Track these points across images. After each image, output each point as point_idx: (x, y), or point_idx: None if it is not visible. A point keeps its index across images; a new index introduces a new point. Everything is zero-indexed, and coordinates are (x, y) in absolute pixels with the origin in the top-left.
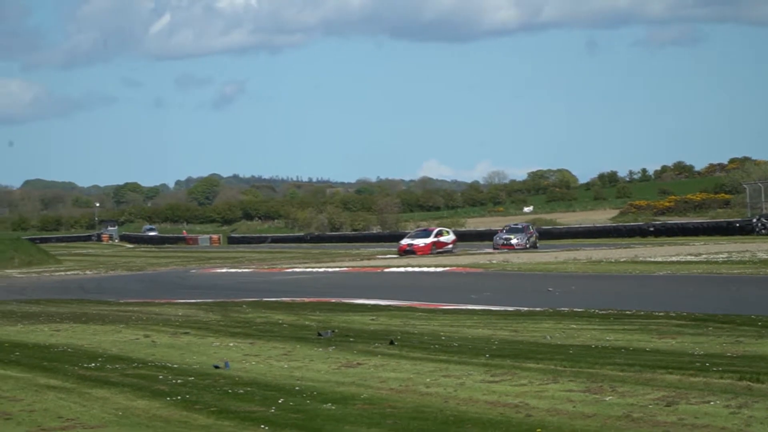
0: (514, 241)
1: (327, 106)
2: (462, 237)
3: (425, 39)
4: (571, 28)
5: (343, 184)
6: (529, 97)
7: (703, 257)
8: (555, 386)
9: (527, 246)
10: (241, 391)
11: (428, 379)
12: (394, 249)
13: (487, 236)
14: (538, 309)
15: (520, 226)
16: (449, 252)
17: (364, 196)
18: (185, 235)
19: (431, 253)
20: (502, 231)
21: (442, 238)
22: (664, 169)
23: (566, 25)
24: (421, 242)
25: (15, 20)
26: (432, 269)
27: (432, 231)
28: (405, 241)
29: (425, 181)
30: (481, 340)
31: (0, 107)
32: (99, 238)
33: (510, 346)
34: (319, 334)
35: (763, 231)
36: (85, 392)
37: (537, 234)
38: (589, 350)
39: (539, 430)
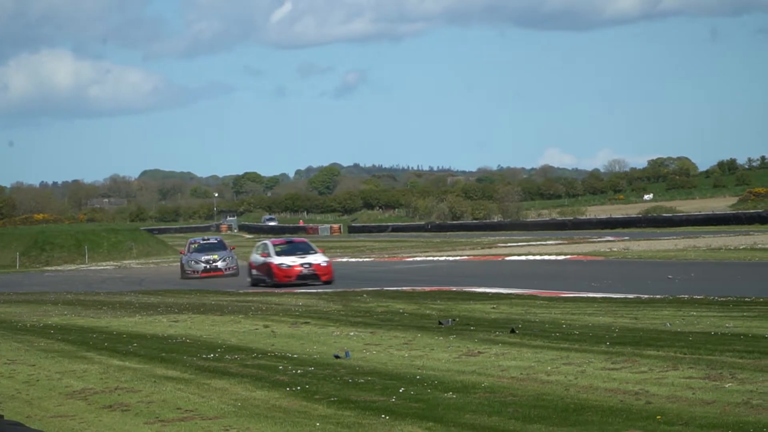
0: (221, 264)
1: (448, 95)
2: (583, 225)
3: (547, 27)
4: (692, 15)
5: (463, 172)
6: (649, 84)
7: None
8: (675, 373)
9: (236, 270)
10: (362, 380)
11: (549, 368)
12: (516, 237)
13: (609, 224)
14: (658, 296)
15: (214, 240)
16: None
17: (485, 185)
18: (302, 224)
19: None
20: (191, 250)
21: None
22: None
23: (686, 13)
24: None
25: (136, 9)
26: (553, 257)
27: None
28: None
29: (546, 170)
30: (602, 327)
31: (120, 97)
32: (218, 229)
33: (630, 334)
34: (440, 323)
35: None
36: (203, 383)
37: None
38: (709, 337)
39: (659, 417)
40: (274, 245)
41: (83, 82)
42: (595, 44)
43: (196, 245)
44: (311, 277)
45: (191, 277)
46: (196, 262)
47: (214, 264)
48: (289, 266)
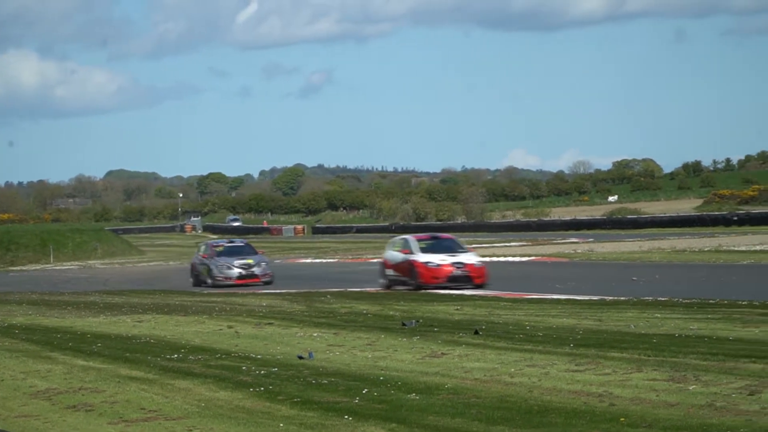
0: (258, 270)
1: (413, 96)
2: (547, 226)
3: (513, 28)
4: (657, 17)
5: (428, 173)
6: (615, 86)
7: None
8: (639, 375)
9: (272, 277)
10: (325, 381)
11: (513, 369)
12: (480, 238)
13: (573, 226)
14: (622, 298)
15: (241, 243)
16: None
17: (449, 186)
18: (266, 225)
19: None
20: (212, 254)
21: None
22: (748, 158)
23: (652, 14)
24: None
25: (102, 9)
26: (517, 259)
27: None
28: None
29: (511, 171)
30: (566, 329)
31: (86, 97)
32: (182, 229)
33: (594, 336)
34: (404, 324)
35: None
36: (167, 383)
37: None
38: (673, 339)
39: (623, 419)
40: (418, 241)
41: (49, 83)
42: (561, 45)
43: (221, 248)
44: (463, 279)
45: (222, 284)
46: (229, 268)
47: (250, 270)
48: (438, 266)
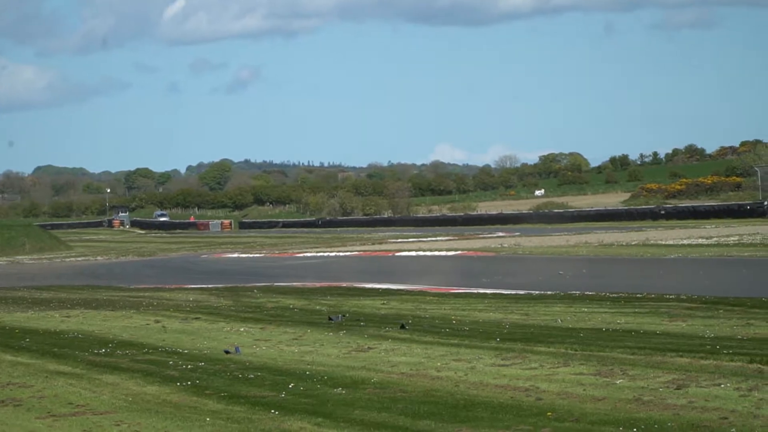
0: None
1: (339, 91)
2: (474, 221)
3: (440, 23)
4: (585, 11)
5: (354, 168)
6: (542, 80)
7: (713, 240)
8: (566, 369)
9: None
10: (252, 376)
11: (439, 363)
12: (406, 233)
13: (500, 220)
14: (549, 292)
15: None
16: None
17: (376, 181)
18: (193, 220)
19: None
20: None
21: None
22: (676, 152)
23: (581, 8)
24: None
25: (31, 5)
26: (443, 253)
27: None
28: None
29: (437, 165)
30: (492, 323)
31: (13, 93)
32: (110, 224)
33: (521, 330)
34: (330, 319)
35: None
36: (95, 378)
37: None
38: (600, 333)
39: (549, 413)
40: None
41: None
42: (488, 40)
43: None
44: None
45: None
46: None
47: None
48: None
